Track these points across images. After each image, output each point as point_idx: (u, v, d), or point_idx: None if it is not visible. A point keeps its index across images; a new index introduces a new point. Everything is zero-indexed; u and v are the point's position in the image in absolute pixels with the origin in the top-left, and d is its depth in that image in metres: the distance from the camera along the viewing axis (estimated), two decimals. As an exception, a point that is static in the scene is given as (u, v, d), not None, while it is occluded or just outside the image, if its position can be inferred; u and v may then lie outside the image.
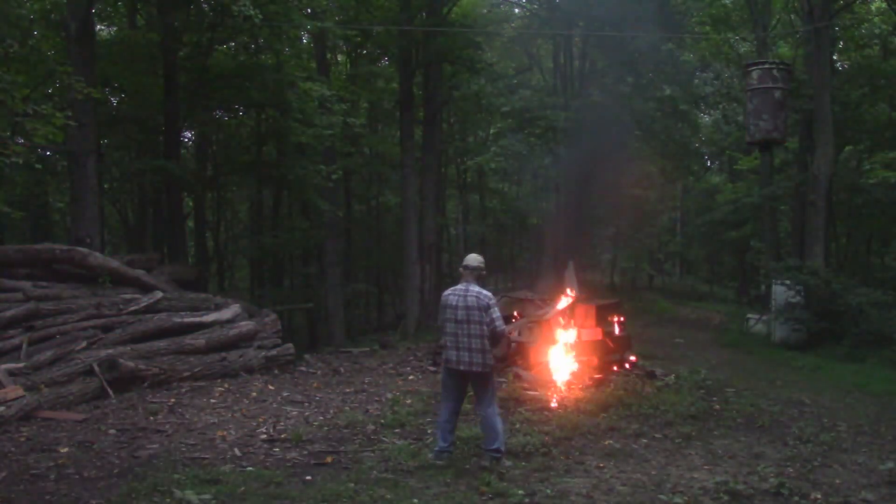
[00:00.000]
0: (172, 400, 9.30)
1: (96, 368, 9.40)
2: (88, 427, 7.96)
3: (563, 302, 11.61)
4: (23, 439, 7.38)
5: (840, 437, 7.95)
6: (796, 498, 5.78)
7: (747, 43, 24.20)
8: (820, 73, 17.19)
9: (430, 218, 21.47)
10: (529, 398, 9.30)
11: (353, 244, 25.24)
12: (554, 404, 9.01)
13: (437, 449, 6.66)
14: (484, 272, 6.86)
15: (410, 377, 11.54)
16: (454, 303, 6.61)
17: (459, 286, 6.72)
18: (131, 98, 18.53)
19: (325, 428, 8.02)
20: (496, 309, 6.58)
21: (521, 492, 5.76)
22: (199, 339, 11.10)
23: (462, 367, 6.57)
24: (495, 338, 6.58)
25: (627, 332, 12.48)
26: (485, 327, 6.48)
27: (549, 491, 5.86)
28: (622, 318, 12.35)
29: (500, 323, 6.56)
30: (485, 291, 6.64)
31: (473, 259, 6.94)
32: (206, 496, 5.51)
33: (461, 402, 6.85)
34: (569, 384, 10.17)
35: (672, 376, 10.72)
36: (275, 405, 9.30)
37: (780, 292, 16.90)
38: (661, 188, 39.63)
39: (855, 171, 20.34)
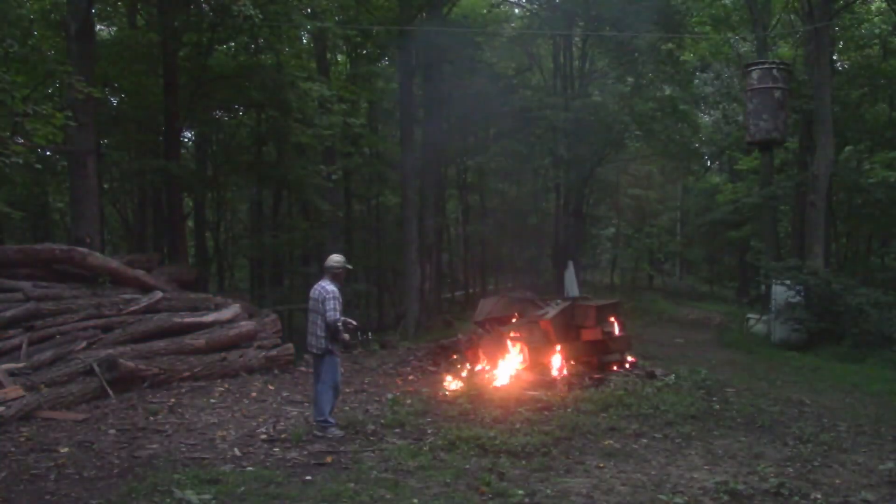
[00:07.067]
0: (172, 400, 9.30)
1: (96, 368, 9.39)
2: (88, 427, 7.97)
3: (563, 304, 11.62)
4: (23, 439, 7.38)
5: (840, 437, 7.94)
6: (796, 498, 5.77)
7: (747, 43, 24.20)
8: (820, 73, 17.19)
9: (430, 218, 21.46)
10: (529, 398, 9.30)
11: (353, 244, 25.24)
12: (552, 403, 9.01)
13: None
14: (338, 271, 7.81)
15: (410, 377, 11.53)
16: (310, 295, 7.83)
17: (319, 282, 7.80)
18: (131, 98, 18.53)
19: (325, 428, 8.00)
20: (331, 302, 7.53)
21: (521, 492, 5.76)
22: (199, 339, 11.10)
23: (308, 348, 7.82)
24: (328, 326, 7.53)
25: (627, 332, 12.47)
26: (319, 317, 7.56)
27: (549, 491, 5.86)
28: (622, 318, 12.34)
29: (331, 313, 7.47)
30: (329, 287, 7.62)
31: (330, 260, 7.99)
32: (206, 496, 5.51)
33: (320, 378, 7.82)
34: (569, 384, 10.16)
35: (672, 376, 10.71)
36: (275, 405, 9.31)
37: (780, 292, 16.90)
38: (661, 188, 39.72)
39: (855, 171, 20.33)
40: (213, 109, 19.73)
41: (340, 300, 7.69)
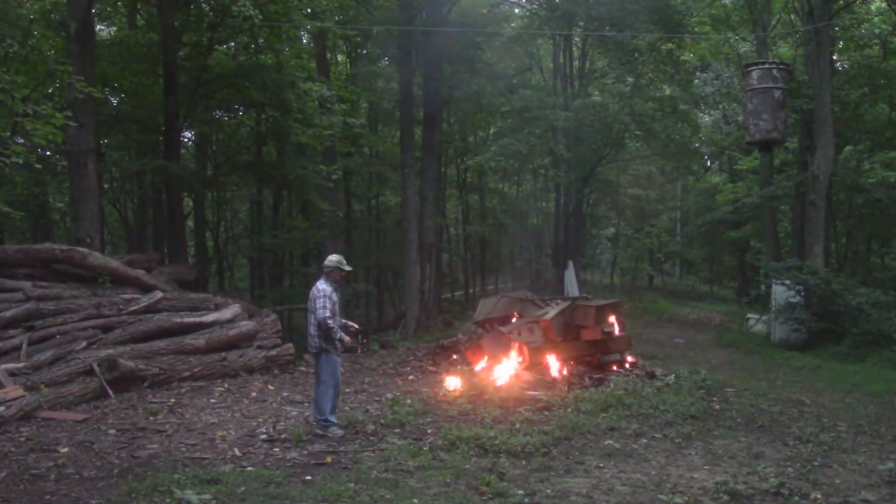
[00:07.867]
0: (172, 400, 9.30)
1: (96, 368, 9.40)
2: (88, 427, 7.97)
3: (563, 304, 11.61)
4: (23, 439, 7.38)
5: (840, 437, 7.95)
6: (796, 498, 5.77)
7: (747, 43, 24.20)
8: (820, 73, 17.17)
9: (430, 218, 21.46)
10: (529, 398, 9.30)
11: (353, 244, 25.25)
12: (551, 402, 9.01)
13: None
14: (329, 270, 7.86)
15: (410, 377, 11.54)
16: (309, 295, 7.92)
17: (316, 282, 7.93)
18: (131, 98, 18.54)
19: (325, 428, 8.00)
20: (321, 300, 7.65)
21: (521, 492, 5.76)
22: (199, 339, 11.10)
23: (308, 348, 7.97)
24: (319, 324, 7.64)
25: (627, 332, 12.47)
26: (313, 316, 7.69)
27: (549, 491, 5.86)
28: (622, 318, 12.34)
29: (321, 311, 7.60)
30: (322, 286, 7.75)
31: (327, 260, 8.10)
32: (206, 496, 5.51)
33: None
34: (569, 384, 10.17)
35: (672, 376, 10.72)
36: (275, 405, 9.31)
37: (780, 292, 16.90)
38: (661, 188, 39.73)
39: (855, 171, 20.33)
40: (213, 109, 19.72)
41: (333, 299, 7.71)
